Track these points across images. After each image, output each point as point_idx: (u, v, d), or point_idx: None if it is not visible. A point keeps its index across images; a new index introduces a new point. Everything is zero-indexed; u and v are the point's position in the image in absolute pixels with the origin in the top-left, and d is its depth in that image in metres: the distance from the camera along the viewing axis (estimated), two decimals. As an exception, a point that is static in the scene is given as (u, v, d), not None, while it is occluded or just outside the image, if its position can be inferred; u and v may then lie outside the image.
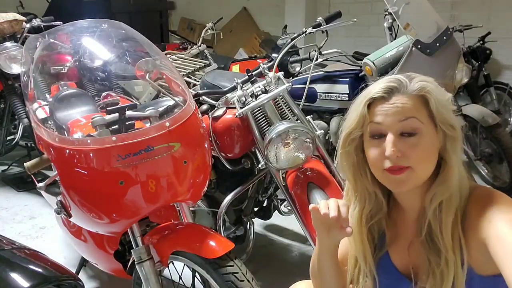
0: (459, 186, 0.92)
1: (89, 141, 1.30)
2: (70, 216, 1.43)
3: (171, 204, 1.63)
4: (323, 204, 0.96)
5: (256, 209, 2.16)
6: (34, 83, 1.85)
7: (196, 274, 1.49)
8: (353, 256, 1.07)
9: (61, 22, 2.72)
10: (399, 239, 1.03)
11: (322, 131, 1.95)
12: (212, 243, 1.34)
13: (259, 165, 1.85)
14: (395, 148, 0.89)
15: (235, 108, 1.82)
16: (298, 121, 1.83)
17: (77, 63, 2.34)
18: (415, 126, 0.90)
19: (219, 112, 1.88)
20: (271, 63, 2.02)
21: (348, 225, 0.96)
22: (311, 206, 0.98)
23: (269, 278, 2.11)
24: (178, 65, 3.34)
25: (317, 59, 2.45)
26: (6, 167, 3.71)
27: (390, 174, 0.92)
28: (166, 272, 1.53)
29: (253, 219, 2.14)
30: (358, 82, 2.41)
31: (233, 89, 1.92)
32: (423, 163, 0.91)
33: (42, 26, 3.17)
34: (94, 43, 2.02)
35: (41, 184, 1.38)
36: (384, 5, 2.49)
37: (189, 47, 4.09)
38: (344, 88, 2.44)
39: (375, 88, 0.94)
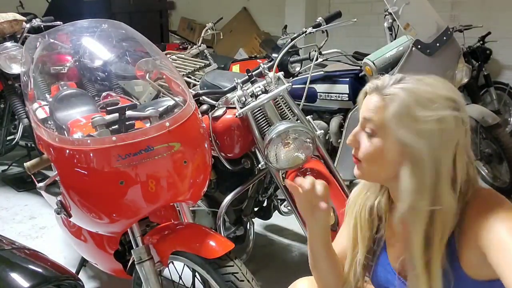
0: (448, 205, 0.88)
1: (89, 141, 1.30)
2: (70, 216, 1.43)
3: (171, 204, 1.63)
4: (299, 179, 1.02)
5: (256, 209, 2.16)
6: (34, 83, 1.84)
7: (196, 274, 1.49)
8: (350, 242, 1.09)
9: (61, 22, 2.71)
10: (396, 239, 1.04)
11: (322, 131, 1.96)
12: (212, 243, 1.34)
13: (259, 165, 1.85)
14: (352, 138, 0.98)
15: (235, 108, 1.81)
16: (298, 121, 1.83)
17: (77, 63, 2.34)
18: (371, 127, 0.93)
19: (219, 112, 1.88)
20: (271, 63, 2.01)
21: (327, 202, 1.01)
22: (287, 181, 1.05)
23: (269, 278, 2.11)
24: (178, 65, 3.34)
25: (317, 59, 2.45)
26: (6, 167, 3.70)
27: (354, 160, 0.99)
28: (166, 272, 1.53)
29: (253, 219, 2.14)
30: (358, 82, 2.41)
31: (233, 89, 1.92)
32: (368, 163, 0.95)
33: (42, 26, 3.17)
34: (94, 43, 2.02)
35: (41, 184, 1.38)
36: (384, 5, 2.49)
37: (189, 47, 4.10)
38: (344, 88, 2.44)
39: (371, 82, 0.97)
